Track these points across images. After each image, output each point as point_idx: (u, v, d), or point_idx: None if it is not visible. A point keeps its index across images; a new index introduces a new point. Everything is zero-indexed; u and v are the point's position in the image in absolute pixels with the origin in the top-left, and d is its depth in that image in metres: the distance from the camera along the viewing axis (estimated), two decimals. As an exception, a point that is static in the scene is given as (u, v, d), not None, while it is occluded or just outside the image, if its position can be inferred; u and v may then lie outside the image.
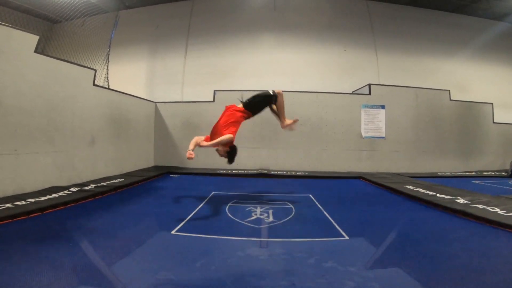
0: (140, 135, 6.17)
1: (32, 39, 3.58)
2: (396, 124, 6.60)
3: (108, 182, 4.23)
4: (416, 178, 5.55)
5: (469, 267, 1.83)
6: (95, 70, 4.84)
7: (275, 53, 7.89)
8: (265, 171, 5.92)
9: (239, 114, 3.52)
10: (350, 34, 7.86)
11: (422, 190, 4.09)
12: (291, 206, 3.49)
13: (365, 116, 6.55)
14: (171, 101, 7.09)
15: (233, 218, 2.97)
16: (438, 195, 3.74)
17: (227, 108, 3.61)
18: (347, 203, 3.87)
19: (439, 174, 6.29)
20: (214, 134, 3.45)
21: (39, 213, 2.78)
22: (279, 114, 3.82)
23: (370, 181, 5.27)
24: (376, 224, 2.89)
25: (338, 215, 3.08)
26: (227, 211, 3.22)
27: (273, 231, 2.61)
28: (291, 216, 3.08)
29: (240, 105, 3.61)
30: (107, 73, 6.20)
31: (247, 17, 8.15)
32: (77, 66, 4.43)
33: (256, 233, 2.57)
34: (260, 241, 2.39)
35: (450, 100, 6.94)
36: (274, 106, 3.81)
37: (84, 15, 6.41)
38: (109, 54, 6.71)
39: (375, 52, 7.77)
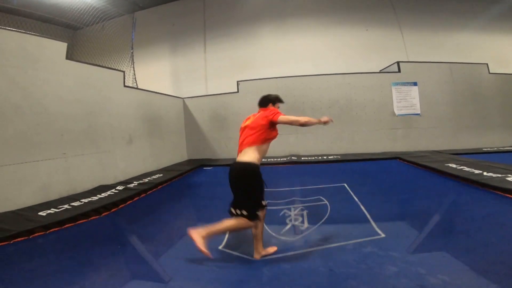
0: (172, 130, 6.36)
1: (62, 47, 3.73)
2: (432, 100, 6.21)
3: (149, 178, 4.45)
4: (458, 155, 5.19)
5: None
6: (124, 72, 5.02)
7: (296, 38, 7.70)
8: (295, 158, 5.87)
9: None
10: (371, 14, 7.46)
11: (466, 169, 3.78)
12: (325, 202, 3.40)
13: (397, 94, 6.24)
14: (197, 95, 7.20)
15: (269, 231, 2.74)
16: (485, 173, 3.42)
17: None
18: (385, 188, 3.67)
19: (484, 149, 5.81)
20: None
21: (96, 216, 2.95)
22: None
23: (408, 161, 5.02)
24: (417, 209, 2.73)
25: (376, 207, 2.93)
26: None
27: (309, 239, 2.48)
28: (326, 216, 2.97)
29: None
30: (134, 74, 6.42)
31: (263, 5, 7.97)
32: (107, 69, 4.63)
33: (293, 245, 2.42)
34: (298, 254, 2.23)
35: (489, 73, 6.41)
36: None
37: (102, 20, 6.65)
38: (133, 55, 6.94)
39: (399, 30, 7.33)
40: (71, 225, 2.68)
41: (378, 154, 5.87)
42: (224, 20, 8.21)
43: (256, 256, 2.18)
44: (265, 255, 2.18)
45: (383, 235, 2.30)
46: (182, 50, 8.43)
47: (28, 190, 3.06)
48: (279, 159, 5.91)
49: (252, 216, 2.05)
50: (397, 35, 7.33)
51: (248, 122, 2.38)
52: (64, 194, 3.43)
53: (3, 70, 2.98)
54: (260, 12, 7.98)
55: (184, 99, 7.04)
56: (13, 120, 3.01)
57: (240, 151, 2.27)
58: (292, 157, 5.94)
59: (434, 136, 6.14)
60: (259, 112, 2.48)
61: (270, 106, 2.54)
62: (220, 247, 2.33)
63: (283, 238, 2.69)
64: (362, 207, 3.06)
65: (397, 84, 6.24)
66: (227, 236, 2.49)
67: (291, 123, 2.31)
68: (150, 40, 8.54)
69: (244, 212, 2.04)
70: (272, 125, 2.32)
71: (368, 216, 2.79)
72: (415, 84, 6.24)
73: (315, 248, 2.30)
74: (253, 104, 6.82)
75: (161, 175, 4.72)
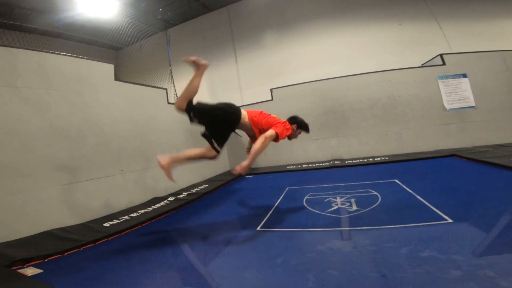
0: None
1: (110, 68, 3.93)
2: (486, 91, 5.66)
3: (196, 189, 4.57)
4: (526, 147, 4.64)
5: None
6: (166, 89, 5.26)
7: (325, 40, 7.53)
8: (339, 162, 5.66)
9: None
10: (401, 8, 7.06)
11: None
12: (375, 193, 3.22)
13: (445, 87, 5.79)
14: (234, 106, 7.30)
15: (313, 210, 2.88)
16: None
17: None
18: (442, 185, 3.35)
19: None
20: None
21: (149, 222, 3.13)
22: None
23: (466, 158, 4.56)
24: (484, 206, 2.42)
25: (434, 198, 2.71)
26: (304, 203, 3.15)
27: (359, 220, 2.44)
28: (377, 203, 2.84)
29: None
30: (175, 90, 6.70)
31: (287, 9, 7.97)
32: (151, 88, 4.86)
33: (340, 223, 2.45)
34: (348, 230, 2.27)
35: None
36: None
37: (139, 39, 7.07)
38: (171, 72, 7.27)
39: (436, 22, 6.83)
40: (129, 231, 2.87)
41: (431, 152, 5.43)
42: (250, 29, 8.34)
43: (161, 161, 2.60)
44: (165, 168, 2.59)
45: (450, 220, 2.14)
46: (215, 63, 8.67)
47: (94, 205, 3.28)
48: (321, 164, 5.75)
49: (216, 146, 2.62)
50: (434, 27, 6.86)
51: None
52: (124, 207, 3.63)
53: (64, 95, 3.25)
54: (286, 18, 7.98)
55: (222, 110, 7.17)
56: (77, 142, 3.26)
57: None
58: (335, 161, 5.74)
59: (494, 128, 5.55)
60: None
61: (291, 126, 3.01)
62: (258, 228, 2.52)
63: (329, 215, 2.64)
64: (419, 197, 2.84)
65: (444, 78, 5.81)
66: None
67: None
68: (185, 56, 8.88)
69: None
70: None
71: (427, 203, 2.59)
72: (464, 76, 5.76)
73: (367, 227, 2.22)
74: (288, 111, 6.81)
75: (207, 185, 4.83)
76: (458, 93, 5.75)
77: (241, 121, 2.70)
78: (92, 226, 2.90)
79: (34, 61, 3.01)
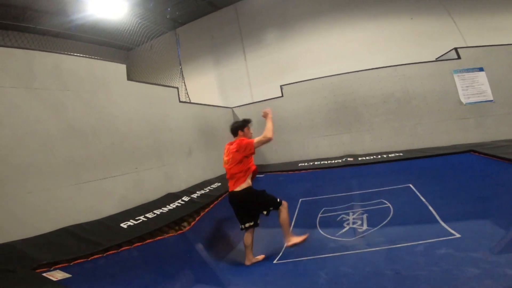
0: (225, 140, 6.40)
1: (122, 68, 3.94)
2: (505, 85, 5.45)
3: (209, 187, 4.61)
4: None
5: None
6: (177, 88, 5.28)
7: (336, 36, 7.45)
8: (351, 159, 5.57)
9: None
10: (412, 2, 6.90)
11: None
12: (388, 204, 3.16)
13: (461, 81, 5.63)
14: (244, 103, 7.30)
15: (325, 235, 2.84)
16: None
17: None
18: (459, 186, 3.26)
19: None
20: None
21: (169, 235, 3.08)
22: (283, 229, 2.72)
23: (484, 153, 4.37)
24: (501, 206, 2.38)
25: (446, 209, 2.65)
26: (318, 226, 3.11)
27: (368, 240, 2.42)
28: (389, 218, 2.79)
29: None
30: (186, 89, 6.74)
31: (294, 6, 7.87)
32: (162, 87, 4.88)
33: (350, 246, 2.42)
34: (353, 254, 2.23)
35: None
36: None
37: (149, 39, 7.12)
38: (182, 71, 7.31)
39: (449, 16, 6.64)
40: (151, 240, 2.84)
41: (447, 147, 5.29)
42: (259, 26, 8.31)
43: (247, 263, 2.58)
44: (255, 262, 2.58)
45: (458, 235, 2.08)
46: (224, 61, 8.69)
47: (109, 202, 3.33)
48: (333, 161, 5.67)
49: (277, 205, 2.64)
50: (448, 21, 6.66)
51: (225, 158, 3.00)
52: (139, 203, 3.67)
53: (80, 95, 3.29)
54: (295, 14, 7.91)
55: (233, 108, 7.18)
56: (94, 141, 3.31)
57: (229, 178, 2.92)
58: (348, 158, 5.65)
59: (513, 122, 5.37)
60: (234, 142, 3.00)
61: (240, 134, 3.08)
62: (274, 261, 2.49)
63: (339, 239, 2.61)
64: (431, 208, 2.78)
65: (459, 72, 5.65)
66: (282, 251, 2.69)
67: (264, 142, 2.86)
68: (194, 54, 8.97)
69: (271, 208, 2.65)
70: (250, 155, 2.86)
71: (437, 217, 2.53)
72: (481, 69, 5.58)
73: (375, 248, 2.19)
74: (298, 107, 6.72)
75: (220, 183, 4.84)
76: (475, 87, 5.59)
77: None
78: (109, 225, 2.93)
79: (49, 62, 3.05)
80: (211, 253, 2.78)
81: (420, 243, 2.08)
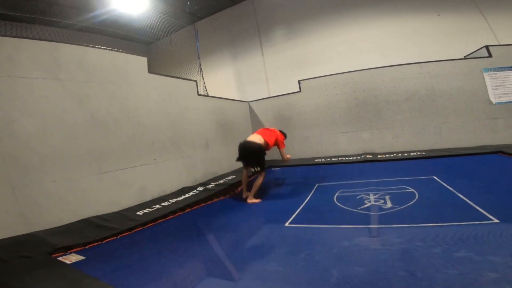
0: (242, 134, 6.45)
1: (143, 61, 3.99)
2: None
3: (224, 179, 4.61)
4: None
5: None
6: (196, 81, 5.30)
7: (357, 30, 7.16)
8: (370, 156, 5.42)
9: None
10: None
11: None
12: (412, 190, 3.03)
13: (491, 80, 5.31)
14: (261, 98, 7.26)
15: (344, 207, 2.78)
16: None
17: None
18: (487, 183, 3.06)
19: None
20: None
21: (181, 212, 3.21)
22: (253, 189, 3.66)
23: (514, 155, 4.18)
24: None
25: (478, 197, 2.50)
26: (335, 200, 3.04)
27: (394, 217, 2.31)
28: (414, 200, 2.66)
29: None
30: (204, 82, 6.77)
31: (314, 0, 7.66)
32: (182, 80, 4.90)
33: (373, 220, 2.34)
34: (380, 227, 2.16)
35: None
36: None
37: (168, 33, 7.18)
38: (200, 64, 7.35)
39: (479, 12, 6.21)
40: (162, 220, 2.96)
41: (474, 148, 5.03)
42: (276, 21, 8.19)
43: (244, 197, 3.75)
44: (250, 202, 3.52)
45: (496, 220, 1.96)
46: (242, 55, 8.65)
47: (128, 193, 3.41)
48: (351, 158, 5.54)
49: (261, 171, 3.60)
50: (478, 17, 6.25)
51: (267, 129, 4.03)
52: (156, 195, 3.75)
53: (104, 87, 3.37)
54: (313, 8, 7.69)
55: (249, 102, 7.16)
56: (116, 132, 3.38)
57: (255, 133, 3.88)
58: (367, 155, 5.50)
59: (548, 124, 5.03)
60: (269, 129, 4.02)
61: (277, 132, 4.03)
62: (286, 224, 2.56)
63: (361, 212, 2.55)
64: (461, 196, 2.62)
65: (490, 70, 5.33)
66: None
67: (281, 151, 4.00)
68: (212, 48, 8.99)
69: (258, 168, 3.60)
70: (275, 145, 3.89)
71: (471, 202, 2.39)
72: (513, 68, 5.25)
73: (408, 225, 2.10)
74: (316, 102, 6.61)
75: (234, 176, 4.86)
76: (506, 87, 5.27)
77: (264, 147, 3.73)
78: (126, 215, 3.00)
79: (75, 54, 3.13)
80: (218, 226, 2.83)
81: (452, 224, 2.01)
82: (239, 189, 4.24)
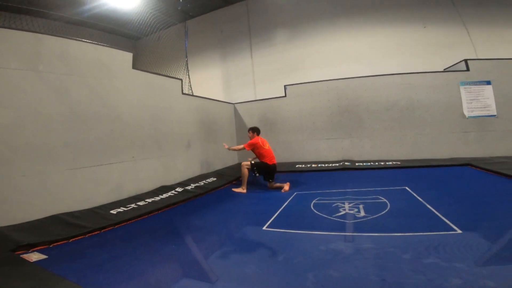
0: (225, 135, 6.54)
1: (128, 57, 3.95)
2: (510, 101, 5.40)
3: (204, 181, 4.62)
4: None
5: None
6: (181, 80, 5.30)
7: (345, 38, 7.37)
8: (349, 164, 5.58)
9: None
10: (428, 10, 6.76)
11: None
12: (384, 200, 3.16)
13: (466, 94, 5.57)
14: (247, 100, 7.33)
15: (320, 214, 2.87)
16: None
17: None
18: (454, 195, 3.25)
19: None
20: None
21: (157, 212, 3.23)
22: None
23: (481, 168, 4.40)
24: (496, 217, 2.36)
25: (444, 208, 2.65)
26: (312, 207, 3.13)
27: (366, 225, 2.42)
28: (385, 210, 2.78)
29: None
30: (189, 81, 6.77)
31: (306, 7, 7.82)
32: (167, 78, 4.89)
33: (347, 227, 2.45)
34: (354, 235, 2.27)
35: None
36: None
37: (158, 29, 7.14)
38: (187, 63, 7.34)
39: (463, 26, 6.51)
40: (135, 220, 2.95)
41: (446, 160, 5.28)
42: (268, 24, 8.30)
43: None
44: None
45: (459, 231, 2.10)
46: (231, 56, 8.70)
47: (103, 190, 3.38)
48: (330, 165, 5.68)
49: (254, 172, 4.44)
50: (461, 31, 6.54)
51: (266, 146, 4.56)
52: (133, 193, 3.72)
53: (85, 80, 3.34)
54: (304, 15, 7.84)
55: (235, 104, 7.21)
56: (94, 127, 3.36)
57: (272, 156, 4.49)
58: (345, 163, 5.66)
59: (515, 140, 5.32)
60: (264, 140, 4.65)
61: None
62: (264, 228, 2.61)
63: (336, 219, 2.67)
64: (429, 206, 2.77)
65: (466, 84, 5.59)
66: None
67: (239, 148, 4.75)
68: (201, 48, 9.01)
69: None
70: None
71: (437, 213, 2.54)
72: (488, 83, 5.51)
73: (380, 234, 2.21)
74: (301, 108, 6.72)
75: (215, 178, 4.87)
76: (479, 101, 5.53)
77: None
78: (99, 212, 2.98)
79: (57, 46, 3.10)
80: (195, 226, 2.86)
81: (418, 234, 2.13)
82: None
